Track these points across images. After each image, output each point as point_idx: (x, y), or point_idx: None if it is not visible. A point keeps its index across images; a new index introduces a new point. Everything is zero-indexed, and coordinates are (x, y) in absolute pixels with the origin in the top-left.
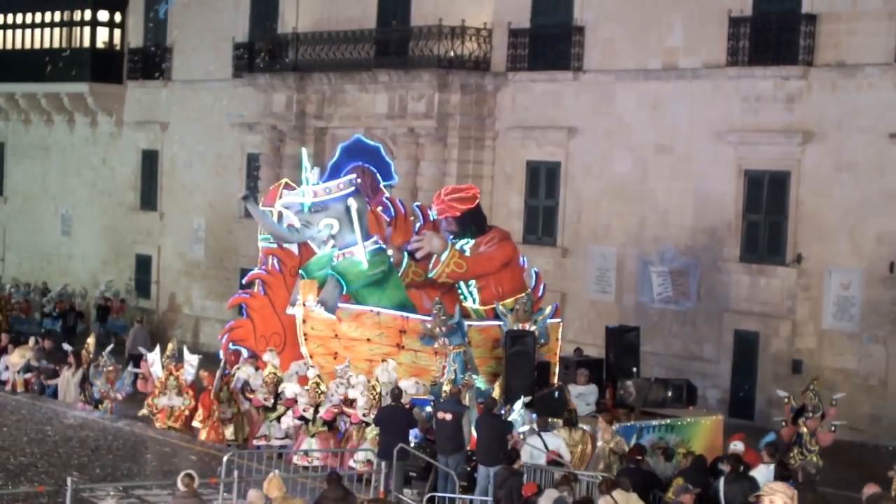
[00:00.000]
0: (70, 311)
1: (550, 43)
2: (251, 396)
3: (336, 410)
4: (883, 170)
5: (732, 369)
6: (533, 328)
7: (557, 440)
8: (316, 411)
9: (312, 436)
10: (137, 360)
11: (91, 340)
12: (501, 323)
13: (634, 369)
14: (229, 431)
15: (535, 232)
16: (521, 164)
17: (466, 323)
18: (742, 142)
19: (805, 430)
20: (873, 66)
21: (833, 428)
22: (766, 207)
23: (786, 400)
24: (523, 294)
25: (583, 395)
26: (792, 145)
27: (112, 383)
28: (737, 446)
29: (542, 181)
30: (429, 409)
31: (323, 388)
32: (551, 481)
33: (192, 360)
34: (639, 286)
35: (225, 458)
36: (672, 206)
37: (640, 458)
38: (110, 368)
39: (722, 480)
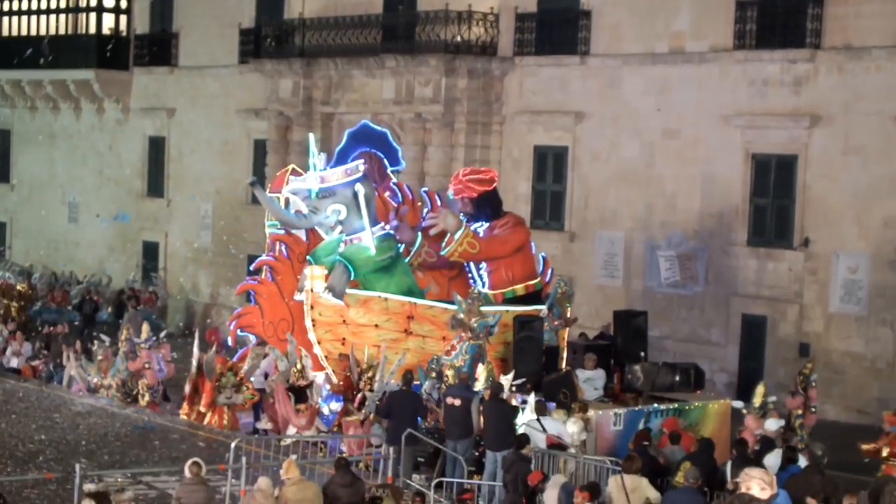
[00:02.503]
0: (87, 300)
1: (557, 27)
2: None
3: (304, 383)
4: (890, 153)
5: (740, 353)
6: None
7: (558, 424)
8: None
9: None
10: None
11: (144, 327)
12: (543, 306)
13: (642, 353)
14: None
15: (543, 217)
16: (529, 149)
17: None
18: (749, 126)
19: (794, 409)
20: (881, 49)
21: (814, 409)
22: (773, 191)
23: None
24: (562, 281)
25: (591, 380)
26: (799, 129)
27: (105, 372)
28: (772, 425)
29: (550, 166)
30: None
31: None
32: (558, 467)
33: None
34: (646, 271)
35: (233, 445)
36: (679, 190)
37: (646, 443)
38: (100, 358)
39: (729, 465)
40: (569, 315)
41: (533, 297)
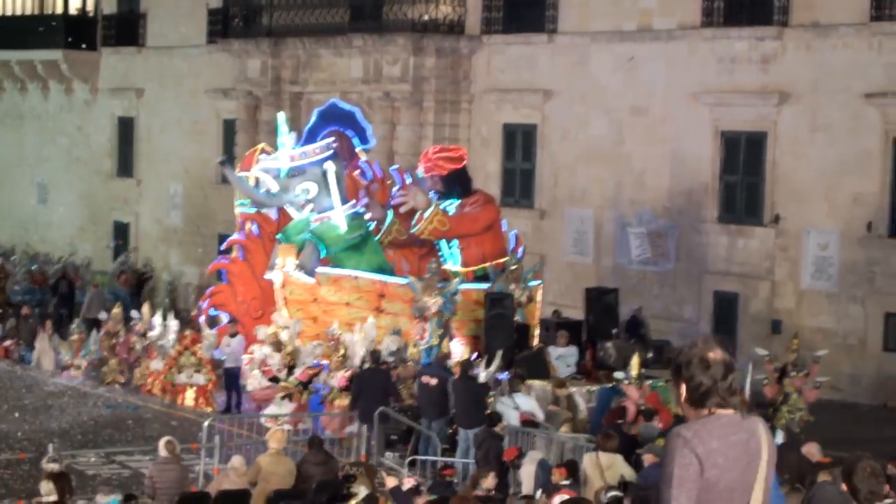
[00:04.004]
0: (62, 279)
1: (525, 5)
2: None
3: (311, 372)
4: (858, 130)
5: (712, 330)
6: (524, 289)
7: (530, 401)
8: (290, 373)
9: (284, 397)
10: (93, 324)
11: (117, 310)
12: (489, 285)
13: (614, 330)
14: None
15: (513, 195)
16: (498, 128)
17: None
18: (718, 103)
19: (792, 389)
20: (848, 27)
21: (818, 384)
22: (742, 168)
23: (767, 359)
24: (513, 256)
25: (563, 357)
26: (768, 106)
27: (77, 351)
28: None
29: (519, 144)
30: None
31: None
32: (533, 444)
33: (173, 325)
34: (616, 248)
35: (205, 424)
36: (649, 168)
37: (620, 421)
38: (74, 337)
39: None
40: (523, 296)
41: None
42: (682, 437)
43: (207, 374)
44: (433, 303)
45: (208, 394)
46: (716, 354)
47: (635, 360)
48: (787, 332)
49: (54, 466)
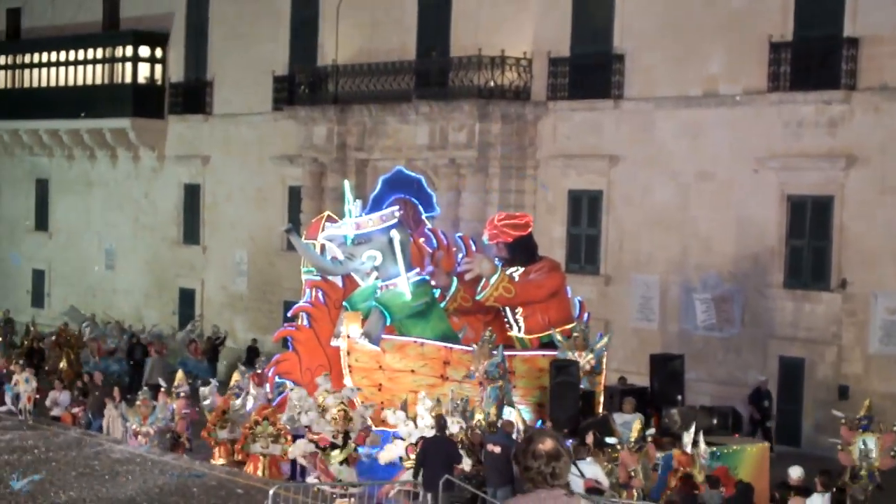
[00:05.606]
0: (136, 345)
1: (590, 71)
2: (313, 437)
3: (364, 435)
4: None
5: (778, 396)
6: (590, 356)
7: (595, 468)
8: (346, 437)
9: (342, 462)
10: (156, 390)
11: (181, 375)
12: (557, 352)
13: (679, 397)
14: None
15: (578, 261)
16: (563, 193)
17: (510, 353)
18: (784, 167)
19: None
20: None
21: (893, 453)
22: (809, 232)
23: (842, 421)
24: (579, 322)
25: (627, 423)
26: (835, 170)
27: (145, 418)
28: (794, 472)
29: (584, 210)
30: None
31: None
32: None
33: (258, 394)
34: (682, 313)
35: (271, 492)
36: (714, 232)
37: (696, 492)
38: (139, 403)
39: None
40: (587, 364)
41: None
42: None
43: (286, 444)
44: (482, 369)
45: (279, 464)
46: (545, 446)
47: (636, 426)
48: (855, 398)
49: None
